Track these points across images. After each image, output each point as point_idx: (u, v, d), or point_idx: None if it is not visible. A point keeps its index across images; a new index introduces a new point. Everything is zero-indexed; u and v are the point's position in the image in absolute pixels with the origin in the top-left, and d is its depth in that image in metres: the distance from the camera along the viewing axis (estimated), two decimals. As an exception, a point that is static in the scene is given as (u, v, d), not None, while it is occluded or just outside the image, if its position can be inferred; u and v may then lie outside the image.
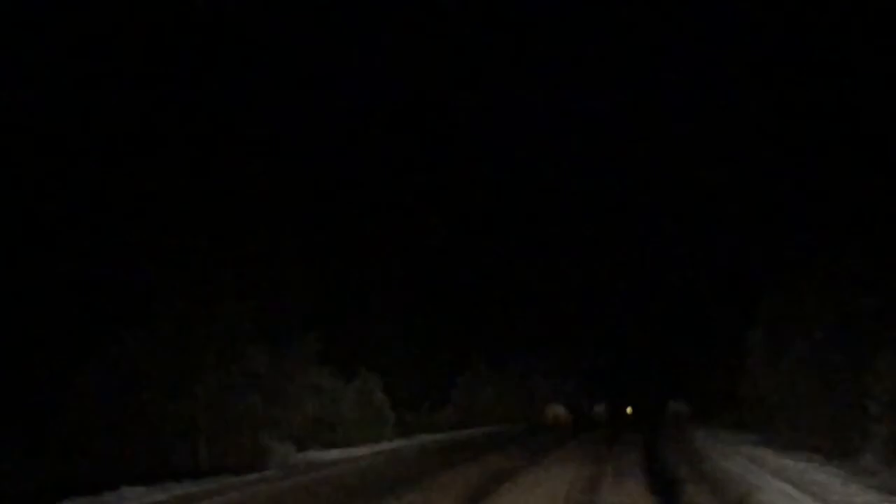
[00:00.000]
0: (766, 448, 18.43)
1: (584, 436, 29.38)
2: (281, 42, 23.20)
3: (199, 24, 17.10)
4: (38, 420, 13.66)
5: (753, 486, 11.85)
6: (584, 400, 47.54)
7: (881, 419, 14.71)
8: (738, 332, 27.08)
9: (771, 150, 24.10)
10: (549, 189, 54.50)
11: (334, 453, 18.96)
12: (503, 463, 16.66)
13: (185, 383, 15.21)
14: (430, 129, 37.45)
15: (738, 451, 18.63)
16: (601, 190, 65.32)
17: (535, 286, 44.73)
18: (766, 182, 25.10)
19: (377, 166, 29.14)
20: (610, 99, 60.66)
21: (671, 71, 56.13)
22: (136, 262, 15.20)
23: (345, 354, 22.85)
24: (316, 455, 18.40)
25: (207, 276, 16.05)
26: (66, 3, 15.82)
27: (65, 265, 14.89)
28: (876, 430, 14.82)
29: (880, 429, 14.62)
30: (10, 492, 10.92)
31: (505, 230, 42.64)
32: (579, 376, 49.65)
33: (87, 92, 15.62)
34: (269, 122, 20.01)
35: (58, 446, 13.54)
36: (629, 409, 54.26)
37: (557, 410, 41.17)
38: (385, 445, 21.92)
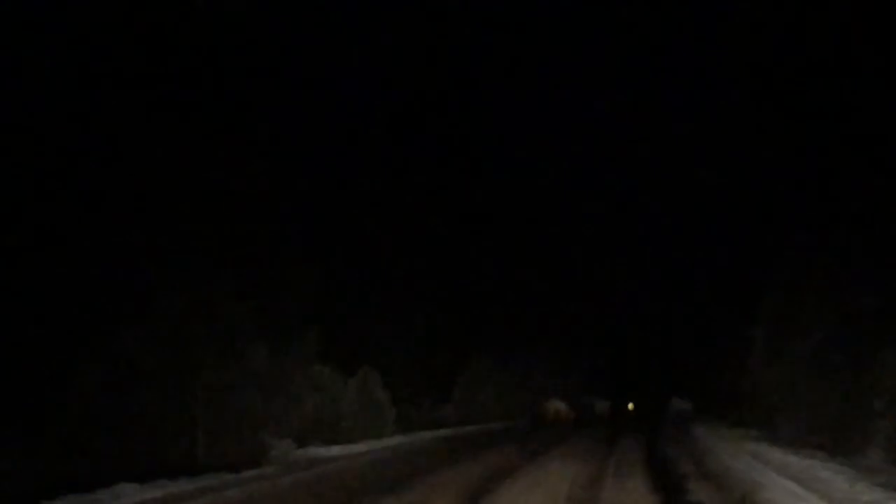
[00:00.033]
0: (768, 445, 18.35)
1: (586, 432, 29.31)
2: (281, 41, 23.11)
3: (199, 23, 17.00)
4: (36, 418, 13.56)
5: (757, 484, 11.75)
6: (585, 397, 47.42)
7: (884, 416, 14.67)
8: (740, 329, 27.08)
9: (771, 149, 24.04)
10: (551, 186, 54.48)
11: (335, 450, 18.86)
12: (504, 460, 16.56)
13: (184, 381, 15.11)
14: (432, 127, 37.41)
15: (741, 448, 18.56)
16: (603, 187, 65.71)
17: (536, 283, 44.63)
18: (767, 182, 25.06)
19: (378, 164, 29.06)
20: (610, 98, 60.65)
21: (671, 71, 56.17)
22: (136, 260, 15.11)
23: (345, 351, 22.78)
24: (316, 452, 18.32)
25: (207, 274, 15.96)
26: (65, 2, 15.74)
27: (63, 263, 14.79)
28: (879, 427, 14.78)
29: (884, 425, 14.59)
30: (6, 490, 10.81)
31: (507, 227, 42.52)
32: (581, 373, 49.59)
33: (86, 89, 15.53)
34: (270, 121, 19.93)
35: (56, 444, 13.44)
36: (630, 406, 54.25)
37: (559, 407, 41.03)
38: (386, 442, 21.83)
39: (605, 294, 54.63)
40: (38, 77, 15.09)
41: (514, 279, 41.52)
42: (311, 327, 20.05)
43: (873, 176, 17.35)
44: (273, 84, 21.25)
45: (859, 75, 18.27)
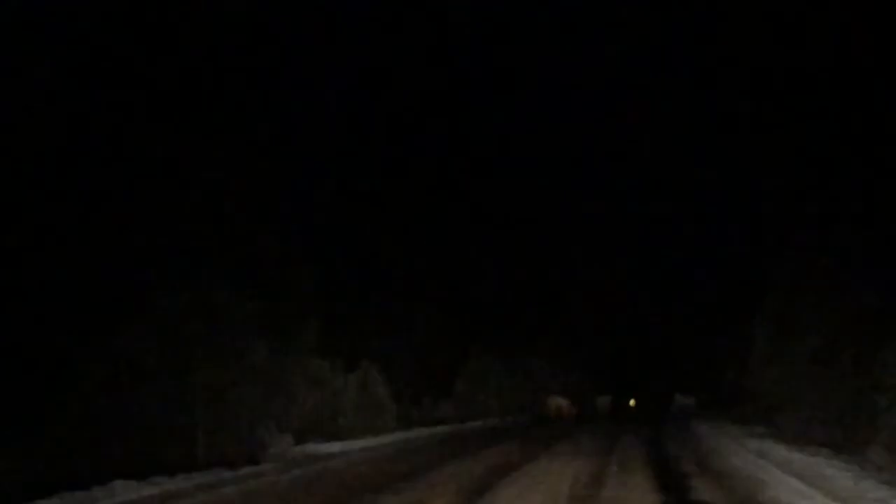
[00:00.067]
0: (772, 442, 18.19)
1: (588, 429, 29.17)
2: (281, 41, 22.97)
3: (200, 22, 16.90)
4: (35, 417, 13.44)
5: (762, 482, 11.61)
6: (586, 393, 47.34)
7: (890, 411, 14.51)
8: (742, 326, 26.97)
9: (771, 149, 23.91)
10: (553, 182, 54.41)
11: (334, 446, 18.73)
12: (505, 457, 16.42)
13: (184, 379, 15.00)
14: (432, 122, 37.27)
15: (744, 445, 18.41)
16: (604, 184, 65.60)
17: (538, 279, 44.53)
18: (768, 181, 24.93)
19: (378, 161, 28.97)
20: (610, 98, 60.57)
21: (672, 71, 56.11)
22: (135, 259, 14.99)
23: (346, 348, 22.67)
24: (315, 448, 18.19)
25: (206, 272, 15.86)
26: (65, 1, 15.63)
27: (62, 261, 14.66)
28: (883, 424, 14.62)
29: (888, 422, 14.42)
30: (2, 488, 10.68)
31: (508, 224, 42.38)
32: (582, 370, 49.48)
33: (86, 89, 15.41)
34: (270, 120, 19.83)
35: (54, 443, 13.32)
36: (632, 402, 54.16)
37: (560, 403, 40.95)
38: (386, 438, 21.71)
39: (606, 291, 54.50)
40: (37, 75, 14.96)
41: (515, 276, 41.41)
42: (310, 324, 19.97)
43: (874, 175, 17.26)
44: (273, 84, 21.16)
45: (860, 74, 18.18)
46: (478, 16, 48.30)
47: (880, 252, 16.79)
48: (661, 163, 58.12)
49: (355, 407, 22.38)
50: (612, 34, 54.25)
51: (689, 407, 43.09)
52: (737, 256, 32.87)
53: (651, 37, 54.60)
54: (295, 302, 19.21)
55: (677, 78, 55.64)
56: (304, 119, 24.27)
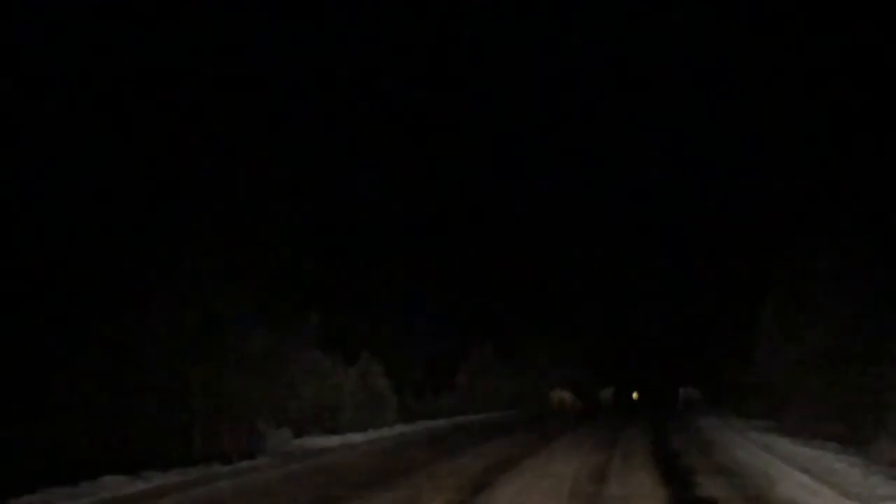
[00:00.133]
0: (778, 436, 17.96)
1: (591, 422, 28.94)
2: (281, 40, 22.78)
3: (200, 22, 16.70)
4: (26, 410, 13.21)
5: (770, 478, 11.33)
6: (589, 386, 47.12)
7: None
8: (748, 318, 26.71)
9: (783, 132, 23.69)
10: (559, 172, 54.23)
11: (333, 440, 18.49)
12: (507, 451, 16.16)
13: (180, 371, 14.76)
14: (431, 110, 36.97)
15: (750, 438, 18.17)
16: (609, 173, 65.43)
17: (541, 271, 44.29)
18: (778, 169, 24.71)
19: (379, 146, 28.71)
20: (612, 93, 60.43)
21: (674, 69, 55.93)
22: (131, 248, 14.77)
23: (346, 339, 22.42)
24: (314, 442, 17.95)
25: (203, 261, 15.62)
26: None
27: (55, 250, 14.44)
28: (893, 417, 14.38)
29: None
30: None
31: (512, 213, 42.20)
32: (585, 362, 49.26)
33: (84, 87, 15.19)
34: (267, 108, 19.56)
35: (45, 437, 13.08)
36: (635, 395, 53.98)
37: (563, 396, 40.73)
38: (386, 432, 21.47)
39: (609, 282, 54.34)
40: (37, 74, 14.75)
41: (517, 267, 41.16)
42: (310, 314, 19.74)
43: (885, 163, 17.02)
44: (272, 77, 20.92)
45: (863, 74, 18.02)
46: (478, 15, 48.06)
47: (890, 242, 16.56)
48: (670, 150, 57.94)
49: (355, 400, 22.11)
50: (612, 34, 54.08)
51: (695, 400, 42.80)
52: (742, 248, 32.57)
53: (652, 36, 54.42)
54: (294, 290, 18.97)
55: (681, 74, 55.53)
56: (303, 113, 24.01)
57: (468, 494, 9.99)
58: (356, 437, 19.31)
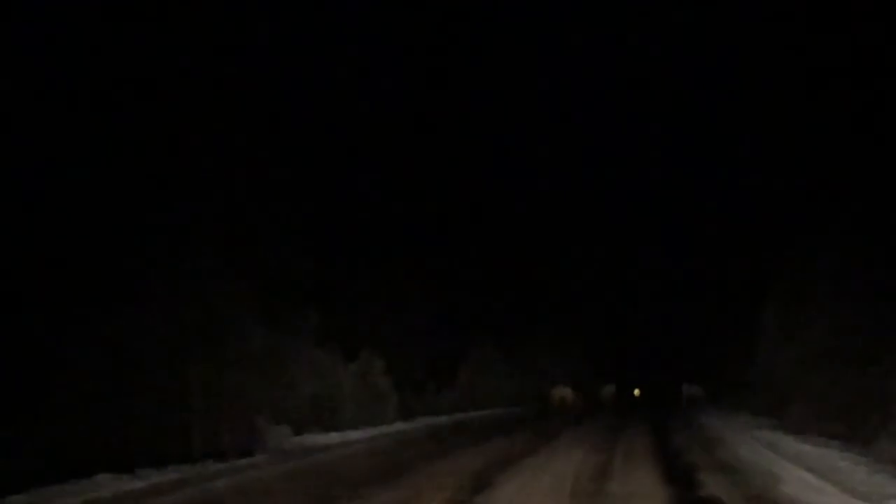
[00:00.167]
0: (782, 433, 17.84)
1: (592, 419, 28.84)
2: (281, 39, 22.64)
3: (200, 21, 16.63)
4: (21, 407, 13.13)
5: (774, 476, 11.22)
6: (591, 383, 46.98)
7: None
8: (751, 315, 26.63)
9: (783, 132, 23.61)
10: (561, 169, 54.09)
11: (332, 437, 18.42)
12: (507, 448, 16.06)
13: (179, 368, 14.68)
14: (431, 110, 36.81)
15: (753, 436, 18.06)
16: (609, 170, 65.30)
17: (541, 268, 44.15)
18: (778, 169, 24.64)
19: (379, 146, 28.56)
20: (613, 92, 60.25)
21: (676, 72, 55.75)
22: (130, 244, 14.69)
23: (346, 336, 22.34)
24: (313, 439, 17.87)
25: (202, 257, 15.55)
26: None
27: (53, 246, 14.37)
28: (894, 416, 14.30)
29: (899, 413, 14.11)
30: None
31: (513, 209, 42.03)
32: (586, 359, 49.17)
33: (82, 84, 15.12)
34: (267, 105, 19.49)
35: (41, 434, 13.00)
36: (637, 392, 53.88)
37: (564, 394, 40.54)
38: (386, 429, 21.40)
39: (611, 279, 54.20)
40: (37, 74, 14.68)
41: (517, 264, 41.04)
42: (310, 311, 19.68)
43: (885, 163, 16.97)
44: (272, 75, 20.84)
45: (863, 74, 17.97)
46: (478, 15, 47.94)
47: (889, 242, 16.49)
48: (671, 149, 57.83)
49: (355, 398, 22.04)
50: (612, 34, 53.98)
51: (698, 397, 42.61)
52: (742, 248, 32.47)
53: (652, 36, 54.32)
54: (294, 287, 18.91)
55: (680, 78, 55.47)
56: (303, 113, 23.92)
57: (468, 493, 9.87)
58: (356, 435, 19.24)
